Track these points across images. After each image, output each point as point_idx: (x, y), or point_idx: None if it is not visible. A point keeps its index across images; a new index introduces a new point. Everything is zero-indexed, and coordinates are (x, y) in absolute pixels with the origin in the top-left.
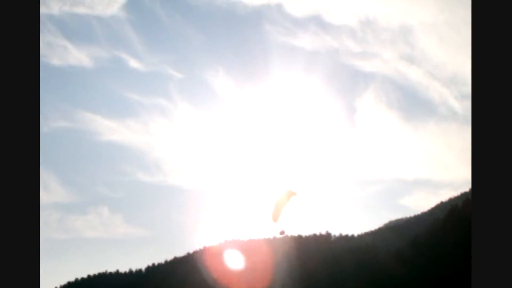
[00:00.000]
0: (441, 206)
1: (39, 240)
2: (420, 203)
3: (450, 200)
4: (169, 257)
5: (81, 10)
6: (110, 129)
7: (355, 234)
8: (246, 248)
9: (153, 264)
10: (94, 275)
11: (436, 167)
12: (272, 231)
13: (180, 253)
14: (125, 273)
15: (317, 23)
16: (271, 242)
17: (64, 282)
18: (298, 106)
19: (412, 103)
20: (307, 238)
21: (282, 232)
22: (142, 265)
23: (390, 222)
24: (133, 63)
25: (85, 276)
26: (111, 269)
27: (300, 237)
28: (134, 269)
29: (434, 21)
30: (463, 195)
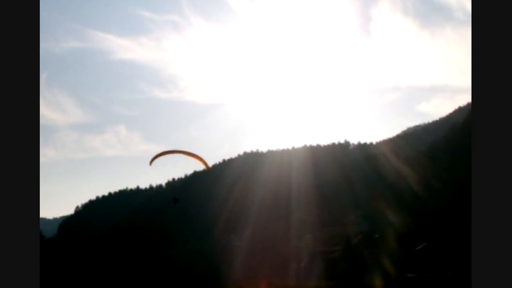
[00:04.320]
0: (459, 111)
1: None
2: (438, 109)
3: (468, 104)
4: (189, 172)
5: None
6: (123, 48)
7: (374, 142)
8: (265, 159)
9: (173, 179)
10: (115, 192)
11: (454, 73)
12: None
13: (200, 167)
14: (145, 189)
15: None
16: (289, 152)
17: (85, 200)
18: (314, 16)
19: (429, 9)
20: (325, 148)
21: (175, 200)
22: (163, 181)
23: (408, 129)
24: None
25: (106, 194)
26: (132, 185)
27: (318, 146)
28: (154, 185)
29: None
30: None
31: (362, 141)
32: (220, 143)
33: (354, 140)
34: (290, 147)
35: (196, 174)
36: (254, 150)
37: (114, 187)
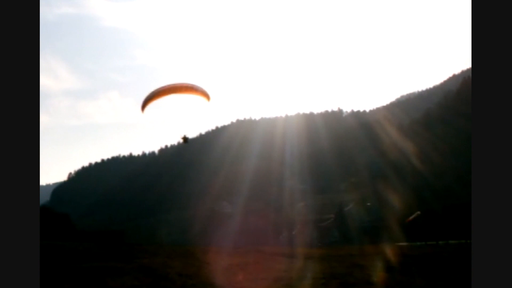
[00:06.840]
0: (453, 78)
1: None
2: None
3: (463, 72)
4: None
5: None
6: (116, 13)
7: (367, 110)
8: (258, 126)
9: (166, 146)
10: (108, 159)
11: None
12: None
13: (193, 134)
14: (138, 156)
15: None
16: (282, 120)
17: (78, 167)
18: None
19: None
20: (319, 115)
21: (184, 138)
22: (155, 148)
23: (402, 97)
24: None
25: (99, 160)
26: (125, 152)
27: (311, 114)
28: (147, 152)
29: None
30: None
31: (356, 109)
32: (213, 110)
33: (347, 108)
34: (283, 115)
35: (189, 141)
36: (247, 117)
37: (107, 154)
